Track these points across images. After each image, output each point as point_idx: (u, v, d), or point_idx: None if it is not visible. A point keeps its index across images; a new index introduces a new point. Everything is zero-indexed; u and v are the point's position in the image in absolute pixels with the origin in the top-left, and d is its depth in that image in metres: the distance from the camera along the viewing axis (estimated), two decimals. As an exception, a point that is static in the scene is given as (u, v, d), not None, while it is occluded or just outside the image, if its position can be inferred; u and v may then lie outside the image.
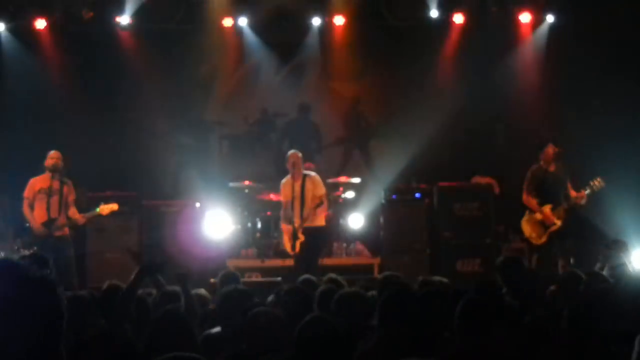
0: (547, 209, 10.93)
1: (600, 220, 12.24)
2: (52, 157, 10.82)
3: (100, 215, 11.01)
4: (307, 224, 11.31)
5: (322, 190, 11.48)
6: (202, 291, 7.45)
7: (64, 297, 2.30)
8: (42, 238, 10.52)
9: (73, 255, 10.84)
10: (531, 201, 11.10)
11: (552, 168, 11.06)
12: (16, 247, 10.35)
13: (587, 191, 10.86)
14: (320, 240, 11.73)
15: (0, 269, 2.23)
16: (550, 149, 11.03)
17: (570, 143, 11.69)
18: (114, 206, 11.00)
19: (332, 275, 7.59)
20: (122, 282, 6.21)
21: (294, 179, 11.45)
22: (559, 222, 10.88)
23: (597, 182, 10.83)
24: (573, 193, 10.96)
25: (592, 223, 12.09)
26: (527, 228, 11.18)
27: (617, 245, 8.84)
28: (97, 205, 10.96)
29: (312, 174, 11.64)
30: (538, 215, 11.02)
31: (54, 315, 2.27)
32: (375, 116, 15.77)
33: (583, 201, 10.93)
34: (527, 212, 11.22)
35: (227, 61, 15.45)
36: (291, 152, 11.65)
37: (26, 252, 10.19)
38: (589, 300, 4.70)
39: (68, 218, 10.80)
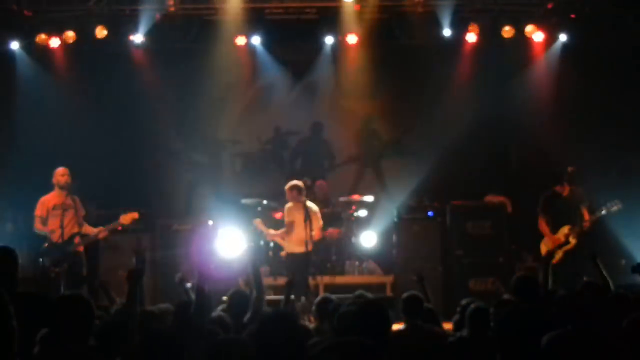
0: (565, 229, 10.85)
1: (616, 241, 12.15)
2: (63, 174, 10.80)
3: (122, 225, 11.02)
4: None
5: (320, 222, 11.59)
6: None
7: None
8: (63, 252, 10.55)
9: (84, 272, 10.85)
10: (544, 228, 11.03)
11: (565, 192, 10.95)
12: (44, 266, 10.31)
13: (603, 212, 10.73)
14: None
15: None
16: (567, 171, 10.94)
17: (583, 163, 11.58)
18: (135, 214, 10.99)
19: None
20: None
21: (297, 206, 11.50)
22: (573, 241, 10.78)
23: (615, 205, 10.68)
24: (586, 216, 10.83)
25: (607, 243, 11.98)
26: (544, 249, 11.09)
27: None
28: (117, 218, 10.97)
29: (312, 205, 11.67)
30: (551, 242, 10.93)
31: None
32: (387, 134, 15.77)
33: (592, 222, 10.77)
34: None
35: (241, 79, 15.48)
36: (292, 183, 11.64)
37: (57, 270, 10.20)
38: None
39: (84, 235, 10.82)
